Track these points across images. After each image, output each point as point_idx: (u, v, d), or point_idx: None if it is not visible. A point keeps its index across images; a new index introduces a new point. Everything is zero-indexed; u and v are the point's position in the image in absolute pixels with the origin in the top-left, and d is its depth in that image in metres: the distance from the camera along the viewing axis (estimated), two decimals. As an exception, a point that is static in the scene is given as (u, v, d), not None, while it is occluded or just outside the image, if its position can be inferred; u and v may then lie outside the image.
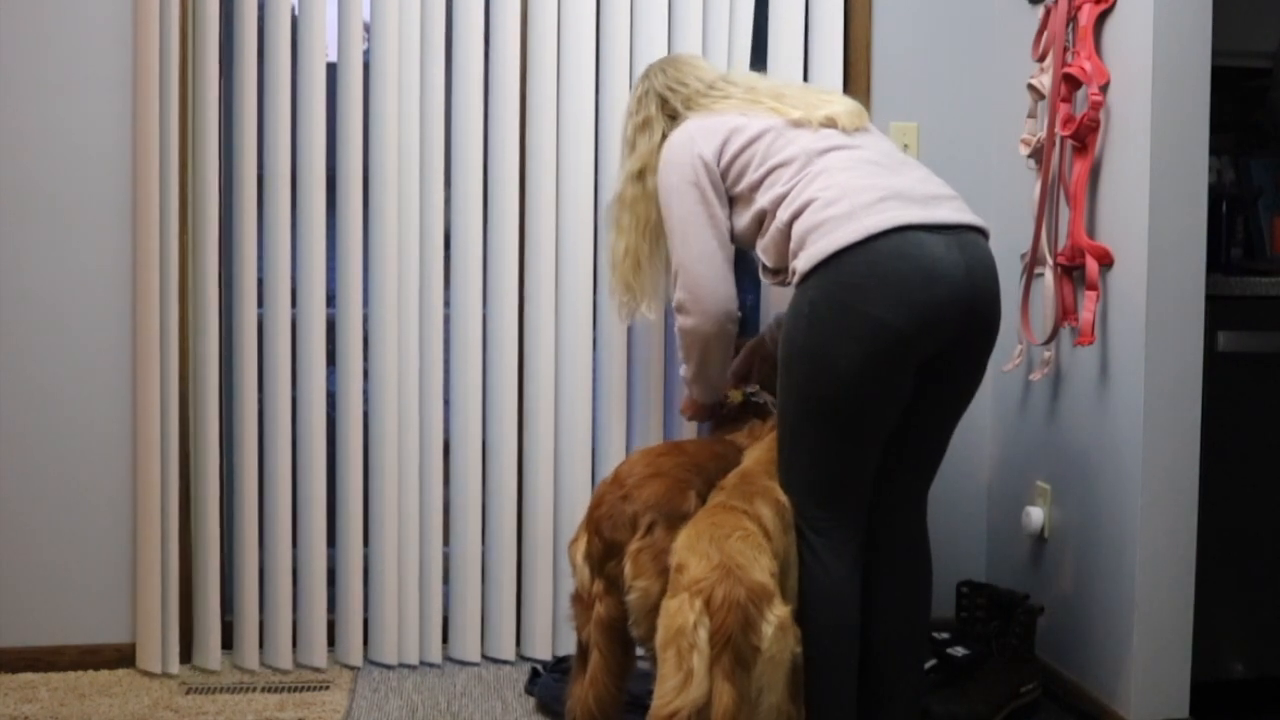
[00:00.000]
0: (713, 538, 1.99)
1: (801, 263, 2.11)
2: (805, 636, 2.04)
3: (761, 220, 2.26)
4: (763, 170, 2.25)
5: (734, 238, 2.36)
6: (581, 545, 2.26)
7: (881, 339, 2.06)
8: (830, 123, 2.27)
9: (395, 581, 2.86)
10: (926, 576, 2.33)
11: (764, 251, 2.27)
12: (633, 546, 2.16)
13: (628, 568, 2.15)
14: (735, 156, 2.28)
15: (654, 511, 2.17)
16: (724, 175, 2.30)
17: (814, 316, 2.10)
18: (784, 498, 2.19)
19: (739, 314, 2.40)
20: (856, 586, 2.18)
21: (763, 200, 2.24)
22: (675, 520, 2.15)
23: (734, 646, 1.87)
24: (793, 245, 2.15)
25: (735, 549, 1.97)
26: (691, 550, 1.99)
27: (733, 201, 2.33)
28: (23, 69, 2.72)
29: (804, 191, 2.16)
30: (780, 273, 2.27)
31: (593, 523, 2.24)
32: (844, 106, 2.32)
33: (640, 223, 2.47)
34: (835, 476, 2.18)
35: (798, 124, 2.27)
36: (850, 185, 2.14)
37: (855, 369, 2.07)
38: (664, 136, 2.44)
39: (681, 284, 2.34)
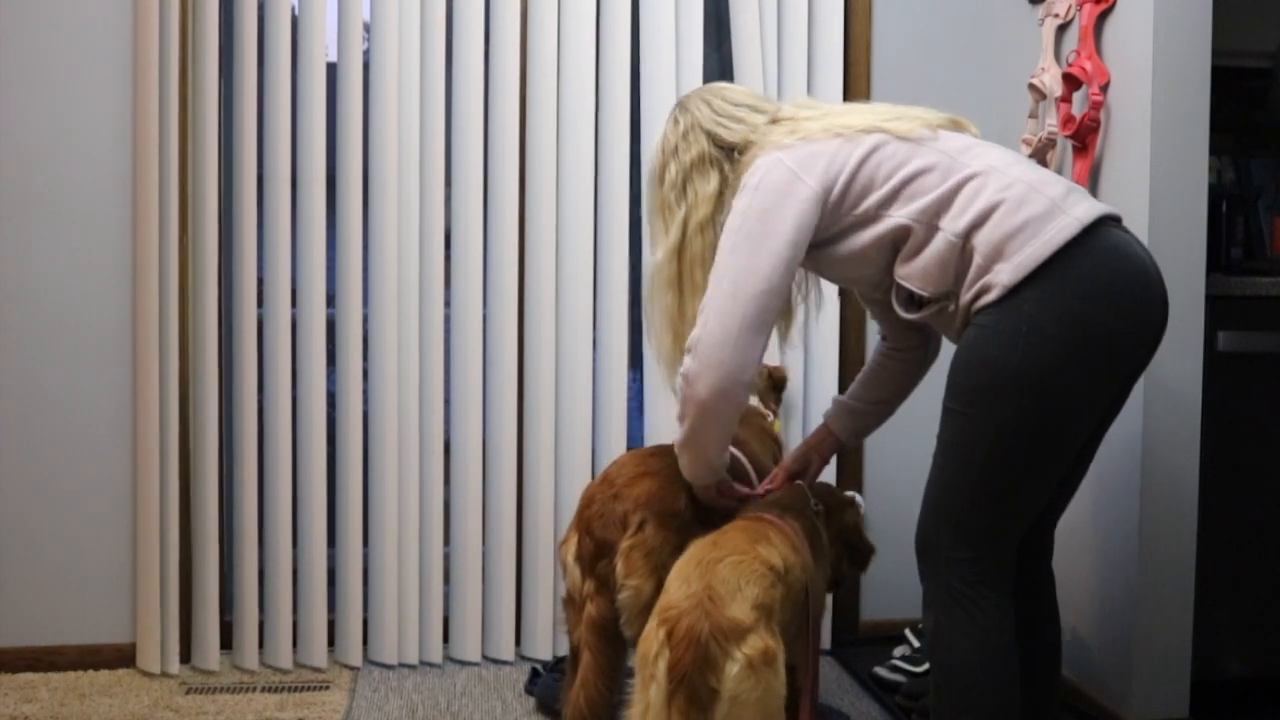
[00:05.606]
0: (702, 561, 1.88)
1: (1006, 274, 1.80)
2: (963, 709, 1.86)
3: (898, 240, 1.91)
4: (895, 180, 1.90)
5: (832, 268, 2.02)
6: (572, 546, 2.22)
7: (1116, 354, 1.83)
8: (947, 125, 1.98)
9: (395, 581, 2.86)
10: (1057, 629, 2.10)
11: (912, 277, 1.90)
12: (624, 544, 2.13)
13: (619, 566, 2.13)
14: (854, 174, 1.91)
15: (645, 509, 2.14)
16: (841, 199, 1.92)
17: (1034, 336, 1.79)
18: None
19: (756, 380, 2.04)
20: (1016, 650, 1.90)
21: (901, 215, 1.89)
22: (666, 518, 2.14)
23: (688, 685, 1.75)
24: (980, 260, 1.83)
25: (720, 577, 1.84)
26: (679, 572, 1.90)
27: (841, 232, 1.95)
28: (23, 69, 2.73)
29: (977, 197, 1.84)
30: (939, 300, 1.90)
31: (583, 522, 2.21)
32: (933, 113, 2.02)
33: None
34: (1020, 517, 1.90)
35: (903, 136, 1.94)
36: (1032, 178, 1.86)
37: (1087, 392, 1.84)
38: (723, 178, 2.04)
39: (703, 323, 1.93)
